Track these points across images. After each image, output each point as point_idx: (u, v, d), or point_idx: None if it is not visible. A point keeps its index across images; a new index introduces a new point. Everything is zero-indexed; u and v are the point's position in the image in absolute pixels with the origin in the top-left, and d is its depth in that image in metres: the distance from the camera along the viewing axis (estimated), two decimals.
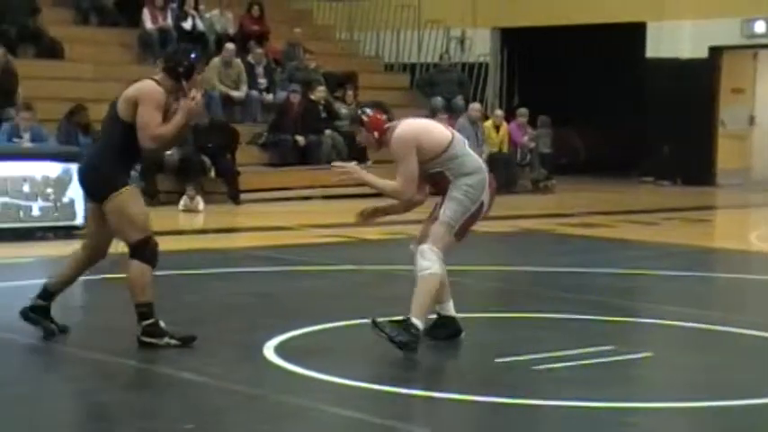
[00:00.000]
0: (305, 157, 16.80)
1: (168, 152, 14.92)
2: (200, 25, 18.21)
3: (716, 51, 19.43)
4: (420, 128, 6.29)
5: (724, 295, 9.15)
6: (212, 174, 15.25)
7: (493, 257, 10.74)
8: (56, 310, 6.69)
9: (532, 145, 18.35)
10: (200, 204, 14.26)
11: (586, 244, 11.75)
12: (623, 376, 6.06)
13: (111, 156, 6.29)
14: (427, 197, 6.53)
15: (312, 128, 16.98)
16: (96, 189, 6.34)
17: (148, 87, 6.26)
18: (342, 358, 6.35)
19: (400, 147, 6.21)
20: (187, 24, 18.06)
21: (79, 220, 11.72)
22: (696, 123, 19.33)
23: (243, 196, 15.26)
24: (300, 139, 16.70)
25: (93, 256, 6.60)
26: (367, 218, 6.64)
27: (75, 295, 8.76)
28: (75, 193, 11.74)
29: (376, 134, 6.35)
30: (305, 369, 5.94)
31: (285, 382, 5.81)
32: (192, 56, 6.41)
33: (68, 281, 6.68)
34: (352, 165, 6.66)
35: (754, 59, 20.30)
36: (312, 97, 17.22)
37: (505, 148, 18.07)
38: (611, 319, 7.47)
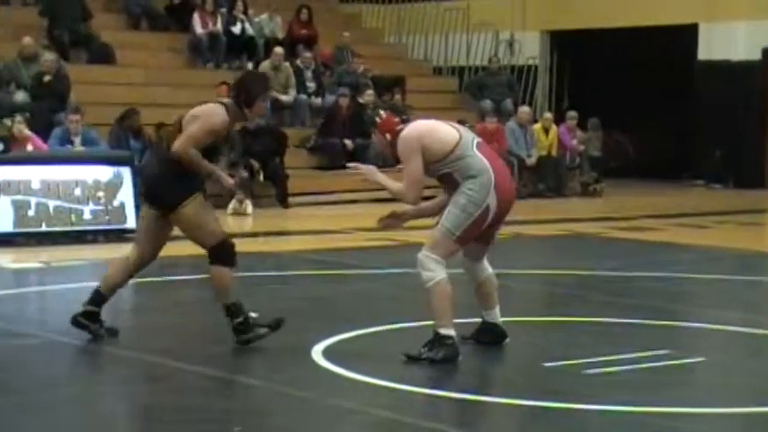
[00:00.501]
0: (353, 160, 16.78)
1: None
2: (250, 29, 18.30)
3: None
4: (425, 129, 6.18)
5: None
6: (261, 177, 15.32)
7: (541, 261, 10.70)
8: (105, 311, 6.75)
9: (581, 148, 18.25)
10: (249, 208, 14.33)
11: (635, 247, 11.66)
12: (676, 381, 6.00)
13: (175, 168, 6.40)
14: None
15: (360, 131, 17.00)
16: (163, 199, 6.45)
17: (211, 111, 6.42)
18: (390, 362, 6.34)
19: (404, 148, 6.16)
20: (236, 29, 18.16)
21: (130, 224, 11.83)
22: (748, 125, 19.12)
23: (291, 200, 15.32)
24: (349, 142, 16.73)
25: (144, 260, 6.68)
26: (386, 223, 6.59)
27: (124, 297, 8.85)
28: (125, 196, 11.86)
29: (388, 136, 6.30)
30: (353, 372, 5.94)
31: (333, 385, 5.81)
32: (258, 86, 6.49)
33: (119, 285, 6.75)
34: (367, 166, 6.58)
35: None
36: (360, 101, 17.25)
37: (555, 152, 17.98)
38: (661, 323, 7.41)
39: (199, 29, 17.81)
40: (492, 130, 17.64)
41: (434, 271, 6.09)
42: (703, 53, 19.52)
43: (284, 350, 6.67)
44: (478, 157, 6.09)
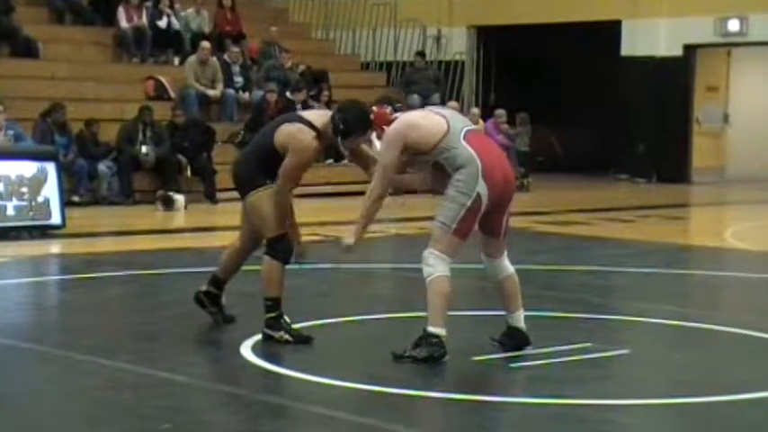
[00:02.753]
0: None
1: (144, 151, 14.90)
2: (176, 24, 18.16)
3: (690, 49, 19.55)
4: (411, 123, 6.17)
5: (700, 292, 9.20)
6: (189, 173, 15.22)
7: (470, 255, 10.74)
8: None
9: (508, 143, 18.39)
10: (181, 203, 14.22)
11: (563, 242, 11.80)
12: (600, 374, 6.08)
13: (254, 160, 6.62)
14: None
15: None
16: (239, 185, 6.68)
17: (303, 144, 6.46)
18: (320, 357, 6.35)
19: (386, 138, 6.20)
20: (162, 23, 18.00)
21: (55, 220, 11.67)
22: (671, 121, 19.44)
23: (219, 195, 15.23)
24: None
25: (247, 246, 6.92)
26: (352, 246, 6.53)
27: (51, 295, 8.75)
28: (50, 191, 11.69)
29: (385, 128, 6.28)
30: (283, 368, 5.94)
31: (263, 381, 5.80)
32: (361, 125, 6.50)
33: (232, 270, 7.01)
34: (345, 241, 6.52)
35: (728, 57, 20.44)
36: (291, 97, 17.21)
37: None
38: (588, 316, 7.50)
39: (124, 23, 17.61)
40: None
41: (433, 266, 6.09)
42: (626, 49, 19.79)
43: (214, 346, 6.65)
44: (464, 147, 6.06)
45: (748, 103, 20.42)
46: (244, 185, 6.65)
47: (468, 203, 6.04)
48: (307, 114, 6.82)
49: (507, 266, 6.36)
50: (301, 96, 17.30)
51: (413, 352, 6.02)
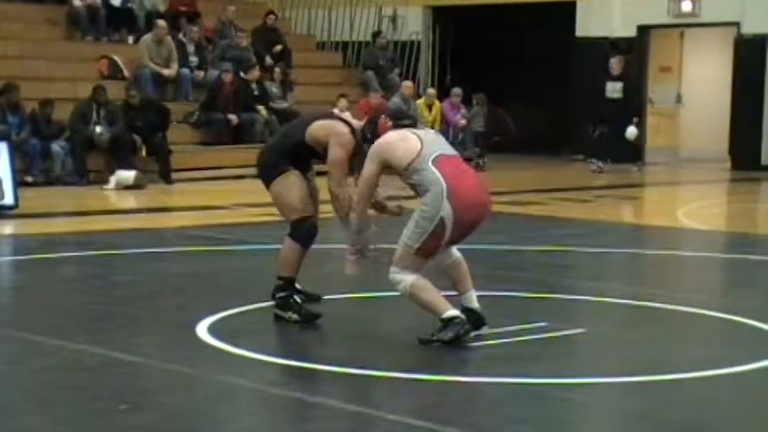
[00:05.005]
0: (237, 135, 16.73)
1: (98, 131, 14.78)
2: (130, 2, 17.99)
3: (644, 30, 19.67)
4: (386, 144, 6.27)
5: (654, 271, 9.29)
6: (143, 153, 15.12)
7: None
8: None
9: (464, 123, 18.44)
10: (131, 180, 14.11)
11: (519, 221, 11.86)
12: (557, 352, 6.13)
13: (278, 150, 6.78)
14: None
15: (245, 106, 16.90)
16: (263, 174, 6.79)
17: (345, 135, 6.67)
18: (275, 337, 6.36)
19: (369, 152, 6.37)
20: (116, 1, 17.84)
21: (8, 200, 11.57)
22: (625, 102, 19.55)
23: (175, 175, 15.15)
24: (233, 117, 16.62)
25: None
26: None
27: (4, 275, 8.67)
28: (2, 172, 11.57)
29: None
30: (238, 348, 5.93)
31: (219, 362, 5.80)
32: None
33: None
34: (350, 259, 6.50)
35: (681, 38, 20.59)
36: (245, 76, 17.13)
37: (438, 127, 18.13)
38: (543, 295, 7.55)
39: (77, 1, 17.42)
40: (376, 105, 17.70)
41: (403, 279, 6.11)
42: (581, 30, 19.88)
43: (169, 327, 6.63)
44: (431, 170, 6.08)
45: (700, 83, 20.60)
46: (267, 173, 6.74)
47: (431, 228, 6.05)
48: (339, 114, 7.03)
49: (452, 252, 6.37)
50: (255, 74, 17.25)
51: (440, 335, 6.00)
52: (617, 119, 18.12)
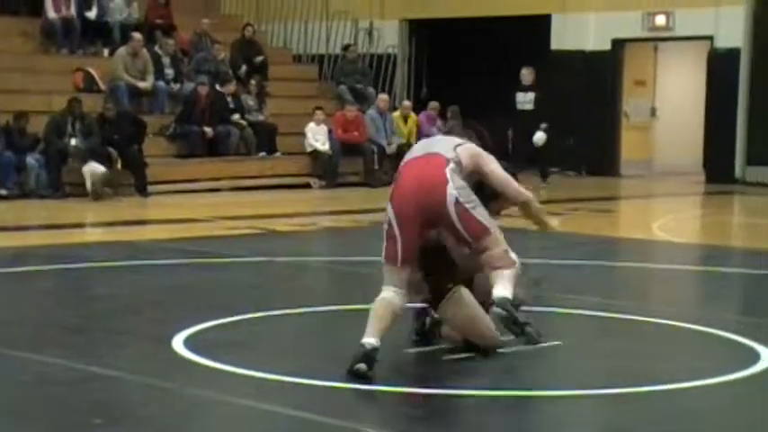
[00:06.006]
0: (213, 148, 16.72)
1: (73, 144, 14.73)
2: (105, 15, 17.96)
3: (619, 44, 19.79)
4: None
5: (628, 284, 9.33)
6: (119, 165, 15.08)
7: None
8: None
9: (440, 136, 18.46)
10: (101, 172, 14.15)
11: None
12: (532, 365, 6.15)
13: None
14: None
15: (220, 119, 16.90)
16: None
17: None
18: (252, 351, 6.34)
19: None
20: (91, 14, 17.81)
21: None
22: (600, 115, 19.67)
23: (151, 188, 15.12)
24: (208, 130, 16.61)
25: None
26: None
27: None
28: None
29: None
30: (215, 362, 5.92)
31: (194, 376, 5.78)
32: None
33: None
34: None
35: (655, 52, 20.73)
36: (221, 89, 17.14)
37: (414, 140, 18.17)
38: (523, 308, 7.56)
39: (51, 13, 17.38)
40: (351, 118, 17.75)
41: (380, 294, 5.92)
42: (556, 43, 19.99)
43: (145, 340, 6.60)
44: (399, 176, 6.04)
45: (674, 97, 20.73)
46: None
47: (385, 227, 5.94)
48: None
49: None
50: (232, 88, 17.27)
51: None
52: (528, 130, 17.80)
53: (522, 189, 6.49)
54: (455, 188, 5.93)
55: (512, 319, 5.89)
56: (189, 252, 10.06)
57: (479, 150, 6.38)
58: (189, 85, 17.28)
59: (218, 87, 17.17)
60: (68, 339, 6.59)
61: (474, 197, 6.03)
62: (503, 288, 5.89)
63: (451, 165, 6.03)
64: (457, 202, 5.91)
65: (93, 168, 14.24)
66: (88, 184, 14.21)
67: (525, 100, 18.06)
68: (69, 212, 13.24)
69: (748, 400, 5.56)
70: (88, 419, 4.98)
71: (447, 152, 6.10)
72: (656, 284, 9.40)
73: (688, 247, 11.92)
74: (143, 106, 16.88)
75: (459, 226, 5.92)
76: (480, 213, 6.01)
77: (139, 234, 11.82)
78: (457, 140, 6.30)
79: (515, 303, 5.99)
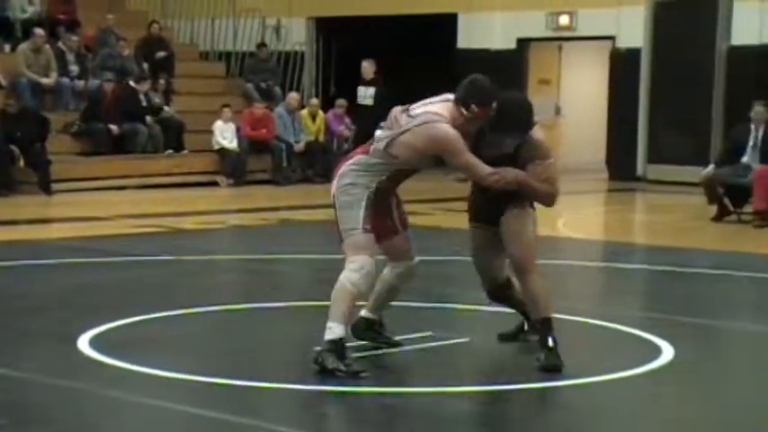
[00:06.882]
0: (119, 146, 16.53)
1: None
2: (6, 10, 17.62)
3: (524, 43, 20.04)
4: None
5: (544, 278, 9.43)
6: (22, 163, 14.82)
7: (310, 246, 10.81)
8: None
9: (347, 133, 18.51)
10: None
11: None
12: (441, 361, 6.21)
13: None
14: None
15: (130, 116, 16.70)
16: None
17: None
18: (159, 350, 6.31)
19: None
20: None
21: None
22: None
23: (55, 186, 14.89)
24: (114, 127, 16.41)
25: None
26: None
27: None
28: None
29: None
30: (121, 362, 5.87)
31: (101, 376, 5.73)
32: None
33: None
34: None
35: (560, 51, 21.03)
36: (136, 87, 16.96)
37: (322, 138, 18.20)
38: (430, 305, 7.64)
39: None
40: (259, 115, 17.69)
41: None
42: (463, 42, 20.16)
43: (50, 340, 6.52)
44: None
45: (578, 95, 21.06)
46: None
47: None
48: None
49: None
50: (145, 87, 17.12)
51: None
52: (369, 126, 17.89)
53: None
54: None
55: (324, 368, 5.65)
56: (94, 251, 9.94)
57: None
58: (94, 82, 17.05)
59: (132, 84, 16.99)
60: None
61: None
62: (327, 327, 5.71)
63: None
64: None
65: None
66: None
67: (366, 95, 17.73)
68: None
69: (651, 395, 5.69)
70: None
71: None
72: (561, 281, 9.54)
73: (592, 243, 12.13)
74: (46, 103, 16.61)
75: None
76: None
77: (43, 233, 11.64)
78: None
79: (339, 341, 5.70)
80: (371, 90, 17.69)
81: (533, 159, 6.07)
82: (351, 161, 5.97)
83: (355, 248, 5.80)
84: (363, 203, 5.82)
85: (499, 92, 6.08)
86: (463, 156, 5.84)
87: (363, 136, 18.08)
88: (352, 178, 5.88)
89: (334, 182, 5.97)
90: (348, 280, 5.75)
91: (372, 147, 5.98)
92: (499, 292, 6.43)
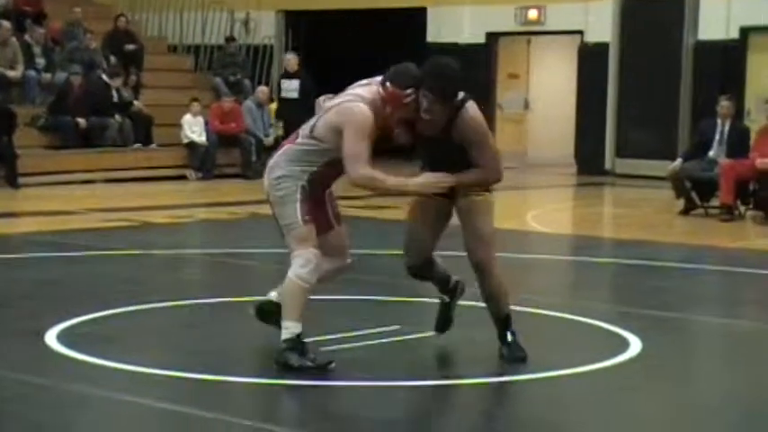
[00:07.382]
0: (88, 139, 16.43)
1: None
2: None
3: (493, 37, 20.08)
4: None
5: (503, 274, 9.46)
6: None
7: (279, 240, 10.80)
8: None
9: None
10: None
11: (371, 225, 11.96)
12: (409, 355, 6.23)
13: None
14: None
15: (100, 110, 16.60)
16: None
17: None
18: (127, 344, 6.28)
19: None
20: None
21: None
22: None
23: (22, 180, 14.79)
24: (81, 121, 16.32)
25: None
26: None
27: None
28: None
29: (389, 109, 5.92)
30: (89, 356, 5.85)
31: (68, 370, 5.70)
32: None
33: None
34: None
35: (528, 45, 21.09)
36: (109, 81, 16.87)
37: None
38: (397, 299, 7.65)
39: None
40: (228, 109, 17.64)
41: None
42: (432, 36, 20.18)
43: (17, 335, 6.49)
44: None
45: (547, 90, 21.13)
46: None
47: None
48: None
49: None
50: (118, 82, 17.06)
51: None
52: (295, 119, 17.80)
53: None
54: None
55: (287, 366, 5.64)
56: (62, 245, 9.88)
57: None
58: (61, 75, 16.94)
59: (104, 79, 16.89)
60: None
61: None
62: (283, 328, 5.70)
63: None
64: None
65: None
66: None
67: (290, 88, 17.55)
68: None
69: (619, 387, 5.73)
70: None
71: None
72: (529, 274, 9.58)
73: (560, 237, 12.19)
74: (13, 96, 16.49)
75: None
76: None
77: (10, 227, 11.56)
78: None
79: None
80: (295, 83, 17.57)
81: (470, 144, 5.99)
82: (279, 152, 5.90)
83: (298, 242, 5.78)
84: (297, 196, 5.78)
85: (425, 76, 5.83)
86: (357, 142, 5.67)
87: (291, 129, 18.07)
88: (282, 170, 5.80)
89: (265, 175, 5.89)
90: (297, 276, 5.74)
91: (299, 133, 5.91)
92: (424, 269, 6.36)
